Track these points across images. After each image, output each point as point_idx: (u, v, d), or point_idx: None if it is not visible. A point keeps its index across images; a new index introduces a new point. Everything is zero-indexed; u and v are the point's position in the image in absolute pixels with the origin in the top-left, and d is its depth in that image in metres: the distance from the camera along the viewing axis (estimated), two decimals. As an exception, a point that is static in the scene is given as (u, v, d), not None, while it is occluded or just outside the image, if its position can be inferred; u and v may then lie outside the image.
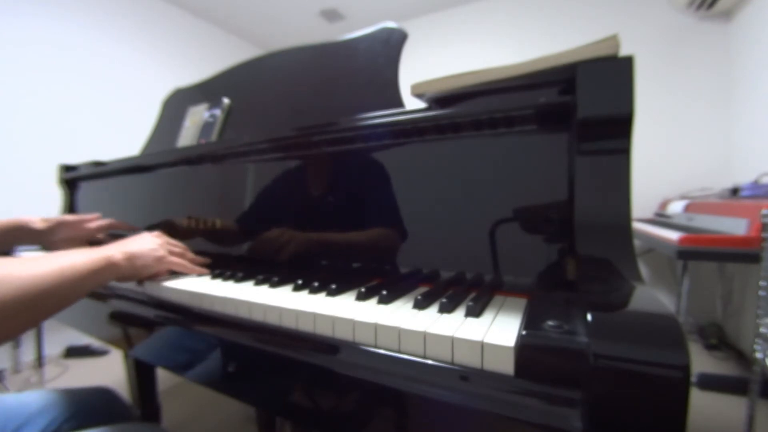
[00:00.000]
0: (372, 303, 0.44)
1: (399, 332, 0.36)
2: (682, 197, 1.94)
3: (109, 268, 0.51)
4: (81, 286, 0.46)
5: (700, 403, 1.42)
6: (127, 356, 1.10)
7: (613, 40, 0.40)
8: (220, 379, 0.50)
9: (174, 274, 0.66)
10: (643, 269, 2.22)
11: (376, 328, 0.37)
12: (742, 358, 1.77)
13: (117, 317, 0.66)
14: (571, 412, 0.27)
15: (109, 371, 1.85)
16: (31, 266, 0.41)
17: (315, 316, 0.41)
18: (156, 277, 0.62)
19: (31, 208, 1.92)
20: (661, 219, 1.90)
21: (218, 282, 0.60)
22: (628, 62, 0.38)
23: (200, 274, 0.65)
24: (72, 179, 1.16)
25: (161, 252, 0.60)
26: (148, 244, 0.59)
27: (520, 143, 0.48)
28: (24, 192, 1.95)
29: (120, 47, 2.44)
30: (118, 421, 0.58)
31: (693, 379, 1.22)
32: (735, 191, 1.53)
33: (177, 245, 0.67)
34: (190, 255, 0.69)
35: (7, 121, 1.93)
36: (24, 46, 2.00)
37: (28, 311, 0.40)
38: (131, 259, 0.55)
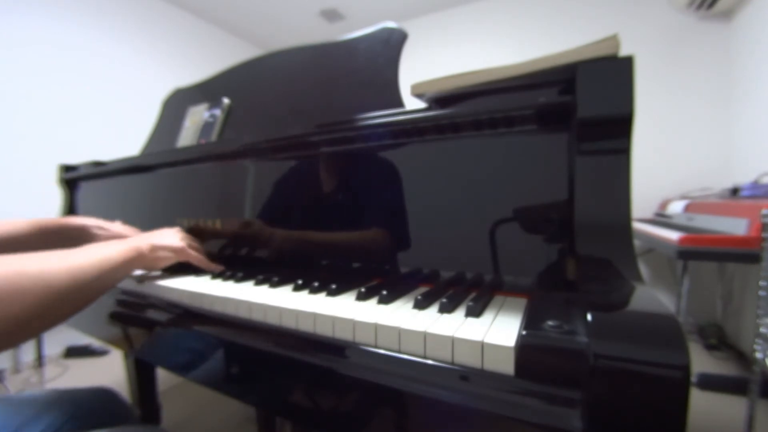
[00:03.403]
0: (372, 303, 0.44)
1: (399, 332, 0.36)
2: (682, 197, 1.94)
3: (138, 258, 0.54)
4: (115, 277, 0.50)
5: (700, 403, 1.42)
6: (127, 356, 1.10)
7: (613, 40, 0.40)
8: (220, 379, 0.50)
9: (168, 271, 0.69)
10: (643, 269, 2.22)
11: (376, 328, 0.37)
12: (742, 358, 1.77)
13: (117, 317, 0.66)
14: (571, 412, 0.27)
15: (109, 371, 1.85)
16: (71, 260, 0.44)
17: (315, 316, 0.41)
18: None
19: (31, 208, 1.93)
20: (661, 219, 1.90)
21: (218, 282, 0.60)
22: (628, 62, 0.38)
23: (214, 272, 0.67)
24: (72, 179, 1.16)
25: (181, 244, 0.63)
26: (170, 237, 0.63)
27: (520, 143, 0.48)
28: (24, 192, 1.95)
29: (120, 47, 2.44)
30: (119, 422, 0.58)
31: (693, 379, 1.22)
32: (735, 191, 1.52)
33: (196, 241, 0.70)
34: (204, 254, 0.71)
35: (7, 121, 1.93)
36: (24, 46, 2.00)
37: (70, 303, 0.43)
38: (155, 250, 0.59)
